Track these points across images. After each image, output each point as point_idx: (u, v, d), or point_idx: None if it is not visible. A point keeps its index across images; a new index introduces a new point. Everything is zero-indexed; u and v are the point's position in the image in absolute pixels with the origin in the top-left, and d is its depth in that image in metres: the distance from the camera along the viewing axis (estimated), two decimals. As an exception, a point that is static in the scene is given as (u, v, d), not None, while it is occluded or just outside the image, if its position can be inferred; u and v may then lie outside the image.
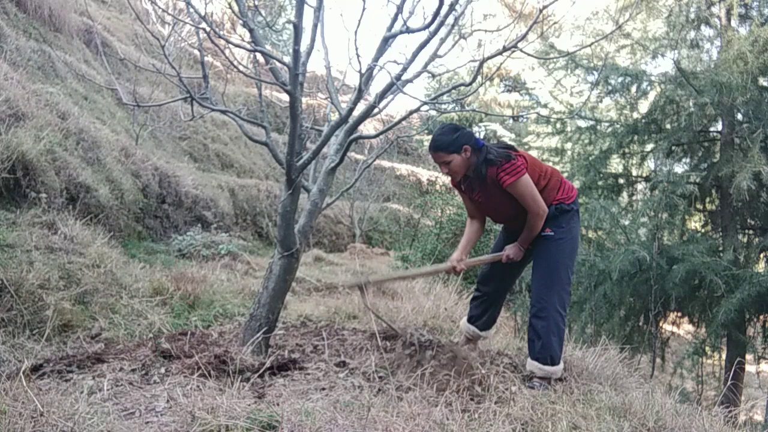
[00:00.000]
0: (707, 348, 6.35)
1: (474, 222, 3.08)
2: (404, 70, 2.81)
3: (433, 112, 9.79)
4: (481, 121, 16.55)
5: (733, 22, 6.75)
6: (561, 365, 2.85)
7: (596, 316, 6.38)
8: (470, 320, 3.27)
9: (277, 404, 2.24)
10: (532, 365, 2.82)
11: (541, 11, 2.43)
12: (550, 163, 8.69)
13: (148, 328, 3.57)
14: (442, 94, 3.01)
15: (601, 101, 7.77)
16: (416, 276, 3.48)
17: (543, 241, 2.86)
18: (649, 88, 7.08)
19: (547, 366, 2.78)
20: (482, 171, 2.73)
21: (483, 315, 3.22)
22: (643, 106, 7.26)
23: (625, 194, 7.81)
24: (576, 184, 7.44)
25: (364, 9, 2.55)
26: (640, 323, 6.69)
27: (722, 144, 6.68)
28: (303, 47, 2.62)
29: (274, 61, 2.71)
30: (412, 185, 17.10)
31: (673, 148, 7.02)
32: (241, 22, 2.70)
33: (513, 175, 2.69)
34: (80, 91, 8.07)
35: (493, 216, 3.10)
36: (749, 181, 5.61)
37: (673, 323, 7.57)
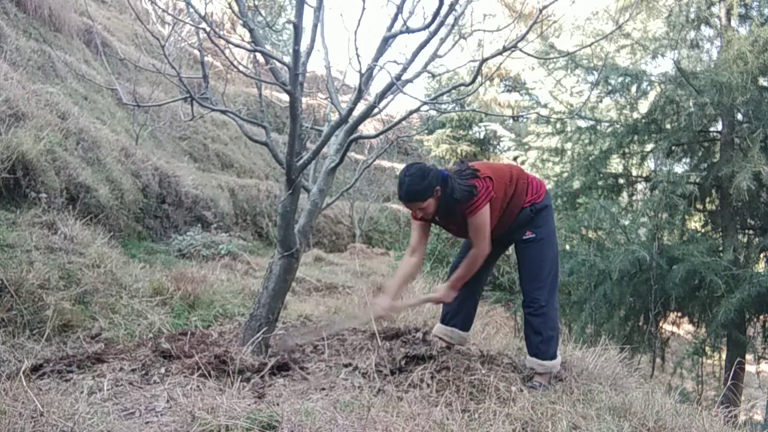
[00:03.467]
0: (707, 348, 6.35)
1: (413, 257, 2.93)
2: (404, 70, 2.81)
3: (433, 112, 9.79)
4: (481, 121, 16.53)
5: (733, 22, 6.74)
6: (559, 358, 2.90)
7: (596, 316, 6.38)
8: (444, 321, 3.15)
9: (277, 404, 2.24)
10: (532, 362, 2.85)
11: (541, 11, 2.43)
12: (550, 164, 8.70)
13: (148, 328, 3.57)
14: (442, 94, 3.01)
15: (601, 101, 7.77)
16: (347, 326, 3.37)
17: (527, 245, 2.87)
18: (649, 88, 7.07)
19: (546, 361, 2.82)
20: (456, 201, 2.69)
21: (458, 313, 3.11)
22: (643, 106, 7.26)
23: (625, 194, 7.80)
24: (576, 184, 7.45)
25: (364, 9, 2.56)
26: (640, 323, 6.69)
27: (722, 144, 6.68)
28: (303, 47, 2.62)
29: (274, 61, 2.71)
30: (412, 185, 17.05)
31: (673, 148, 7.02)
32: (241, 22, 2.70)
33: (471, 212, 2.69)
34: (80, 91, 8.07)
35: (460, 235, 3.04)
36: (749, 181, 5.61)
37: (673, 323, 7.57)
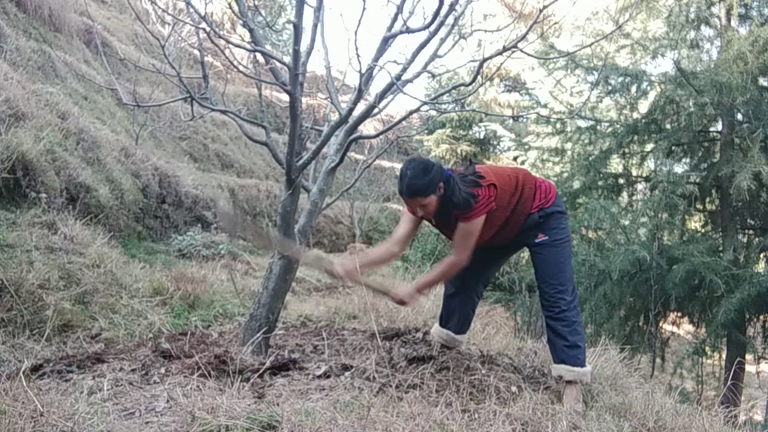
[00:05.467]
0: (707, 348, 6.35)
1: (394, 246, 2.78)
2: (404, 70, 2.80)
3: (433, 112, 9.78)
4: (481, 121, 16.53)
5: (733, 22, 6.74)
6: (589, 367, 2.69)
7: (596, 316, 6.38)
8: (441, 323, 3.07)
9: (277, 404, 2.23)
10: (559, 369, 2.64)
11: (541, 11, 2.43)
12: (550, 164, 8.70)
13: (148, 328, 3.57)
14: (442, 94, 3.01)
15: (601, 101, 7.77)
16: (305, 262, 3.04)
17: (540, 248, 2.73)
18: (649, 88, 7.08)
19: (576, 368, 2.60)
20: (455, 205, 2.56)
21: (455, 314, 3.01)
22: (643, 106, 7.26)
23: (625, 194, 7.80)
24: (576, 184, 7.45)
25: (364, 9, 2.55)
26: (640, 323, 6.69)
27: (722, 144, 6.68)
28: (303, 47, 2.62)
29: (274, 61, 2.71)
30: (412, 185, 17.05)
31: (673, 148, 7.02)
32: (241, 22, 2.70)
33: (465, 219, 2.56)
34: (80, 91, 8.07)
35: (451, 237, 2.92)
36: (749, 181, 5.61)
37: (673, 323, 7.57)
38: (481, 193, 2.56)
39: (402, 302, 2.76)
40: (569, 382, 2.62)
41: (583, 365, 2.63)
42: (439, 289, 5.41)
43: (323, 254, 3.44)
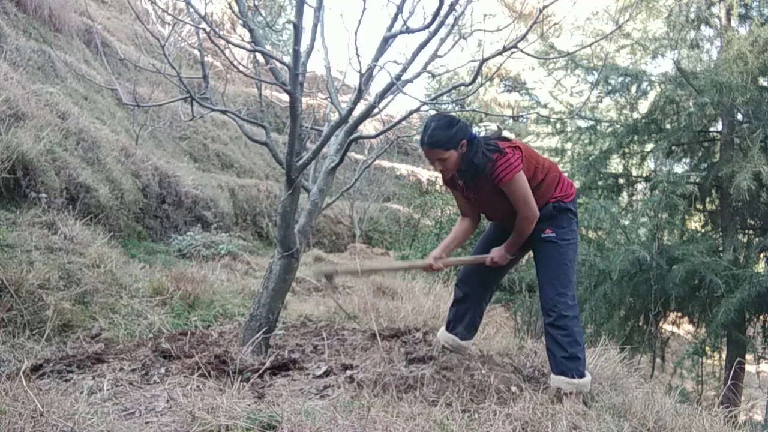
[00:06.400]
0: (707, 348, 6.35)
1: (465, 221, 2.85)
2: (404, 70, 2.81)
3: (433, 112, 9.80)
4: (481, 121, 16.55)
5: (733, 22, 6.75)
6: (589, 377, 2.62)
7: (596, 316, 6.37)
8: (449, 328, 3.02)
9: (277, 404, 2.23)
10: (557, 381, 2.57)
11: (541, 11, 2.43)
12: (550, 164, 8.69)
13: (148, 328, 3.57)
14: (442, 94, 3.01)
15: (601, 101, 7.76)
16: (390, 270, 3.19)
17: (545, 244, 2.66)
18: (649, 88, 7.08)
19: (575, 379, 2.54)
20: (476, 166, 2.53)
21: (463, 319, 2.96)
22: (643, 106, 7.26)
23: (625, 194, 7.80)
24: (576, 184, 7.44)
25: (364, 9, 2.55)
26: (640, 323, 6.69)
27: (722, 144, 6.68)
28: (303, 47, 2.62)
29: (274, 61, 2.71)
30: (412, 185, 17.09)
31: (673, 148, 7.02)
32: (241, 22, 2.70)
33: (507, 172, 2.48)
34: (80, 91, 8.07)
35: (488, 214, 2.88)
36: (749, 181, 5.61)
37: (673, 323, 7.57)
38: (510, 151, 2.52)
39: (495, 262, 2.78)
40: (568, 393, 2.57)
41: (582, 375, 2.58)
42: (440, 290, 5.42)
43: (398, 261, 3.48)
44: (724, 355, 6.51)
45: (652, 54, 7.13)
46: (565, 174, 7.69)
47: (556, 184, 2.69)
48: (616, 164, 7.83)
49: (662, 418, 2.45)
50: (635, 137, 7.19)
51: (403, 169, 17.75)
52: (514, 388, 2.65)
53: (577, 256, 2.84)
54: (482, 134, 2.67)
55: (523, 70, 16.79)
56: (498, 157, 2.50)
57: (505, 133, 2.68)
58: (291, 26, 2.49)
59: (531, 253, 2.87)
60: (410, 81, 3.07)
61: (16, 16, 7.95)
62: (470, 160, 2.53)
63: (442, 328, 3.09)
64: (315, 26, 2.81)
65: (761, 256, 6.58)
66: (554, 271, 2.64)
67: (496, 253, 2.75)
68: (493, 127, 2.74)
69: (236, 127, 4.61)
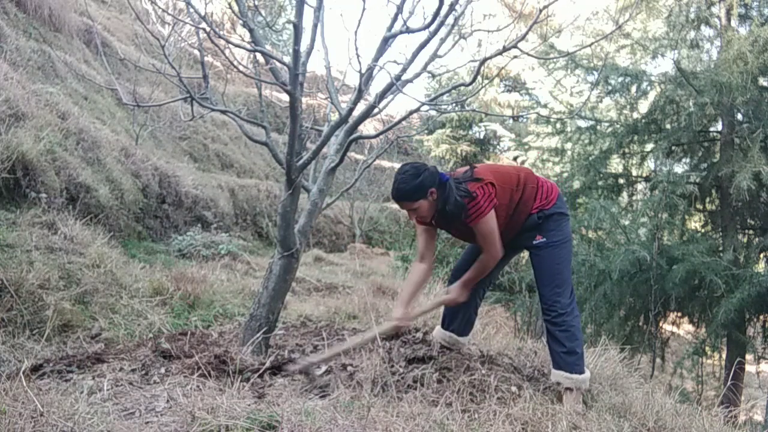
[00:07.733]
0: (707, 348, 6.35)
1: (421, 265, 2.85)
2: (404, 70, 2.81)
3: (433, 112, 9.78)
4: (481, 121, 16.55)
5: (733, 22, 6.75)
6: (588, 374, 2.69)
7: (596, 316, 6.38)
8: (444, 325, 3.08)
9: (277, 404, 2.23)
10: (557, 375, 2.66)
11: (541, 11, 2.43)
12: (550, 164, 8.69)
13: (148, 328, 3.57)
14: (442, 94, 3.00)
15: (601, 101, 7.77)
16: (359, 345, 3.04)
17: (537, 250, 2.74)
18: (649, 88, 7.08)
19: (575, 375, 2.61)
20: (448, 213, 2.61)
21: (457, 316, 3.02)
22: (643, 106, 7.26)
23: (625, 194, 7.80)
24: (576, 184, 7.44)
25: (364, 9, 2.55)
26: (640, 323, 6.69)
27: (722, 144, 6.68)
28: (303, 47, 2.62)
29: (274, 61, 2.71)
30: (412, 185, 17.06)
31: (673, 148, 7.02)
32: (241, 22, 2.70)
33: (475, 216, 2.57)
34: (80, 91, 8.07)
35: (469, 242, 2.98)
36: (749, 181, 5.61)
37: (673, 323, 7.57)
38: (480, 192, 2.58)
39: (454, 301, 2.87)
40: (568, 388, 2.63)
41: (581, 372, 2.63)
42: (439, 290, 5.41)
43: (369, 329, 3.29)
44: (724, 355, 6.51)
45: (652, 54, 7.13)
46: (565, 174, 7.72)
47: (535, 195, 2.74)
48: (616, 164, 7.84)
49: (662, 418, 2.45)
50: (635, 137, 7.19)
51: (403, 169, 17.68)
52: (514, 388, 2.66)
53: (572, 251, 2.86)
54: (457, 171, 2.74)
55: (523, 70, 16.78)
56: (468, 202, 2.58)
57: (486, 163, 2.72)
58: (291, 26, 2.49)
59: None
60: (410, 81, 3.07)
61: (16, 16, 7.95)
62: (443, 207, 2.61)
63: (438, 327, 3.14)
64: (315, 26, 2.81)
65: (761, 256, 6.58)
66: (549, 272, 2.73)
67: (453, 291, 2.85)
68: (494, 127, 2.73)
69: (236, 127, 4.61)
